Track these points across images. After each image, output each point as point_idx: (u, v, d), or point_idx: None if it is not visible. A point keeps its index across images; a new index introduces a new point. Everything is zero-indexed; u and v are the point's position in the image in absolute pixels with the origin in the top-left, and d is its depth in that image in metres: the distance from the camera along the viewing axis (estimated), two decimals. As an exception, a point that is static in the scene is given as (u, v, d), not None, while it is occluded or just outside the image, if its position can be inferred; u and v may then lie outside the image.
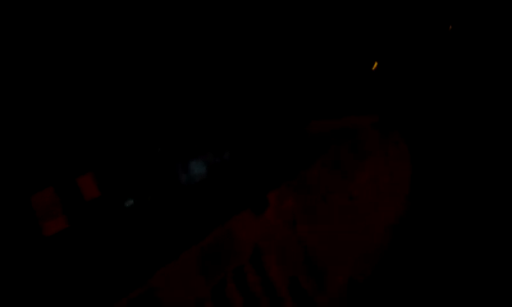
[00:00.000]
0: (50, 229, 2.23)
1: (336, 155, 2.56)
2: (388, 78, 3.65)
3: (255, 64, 2.93)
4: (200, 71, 2.74)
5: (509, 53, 3.68)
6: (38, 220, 2.23)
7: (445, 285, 2.56)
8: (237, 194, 2.14)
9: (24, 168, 2.36)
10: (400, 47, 3.79)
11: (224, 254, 1.88)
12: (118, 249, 2.17)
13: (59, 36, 2.52)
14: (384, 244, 2.74)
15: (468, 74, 3.66)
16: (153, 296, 1.93)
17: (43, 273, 2.05)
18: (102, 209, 2.35)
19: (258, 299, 1.83)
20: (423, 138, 3.31)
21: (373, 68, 3.87)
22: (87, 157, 2.47)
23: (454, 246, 2.78)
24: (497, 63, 3.70)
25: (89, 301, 2.00)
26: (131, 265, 2.12)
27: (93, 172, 2.46)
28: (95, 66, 2.55)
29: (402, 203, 2.82)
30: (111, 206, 2.36)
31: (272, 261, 1.92)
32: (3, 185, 2.29)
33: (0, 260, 2.04)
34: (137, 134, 2.51)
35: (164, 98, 2.60)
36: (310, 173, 2.36)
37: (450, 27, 3.28)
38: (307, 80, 3.12)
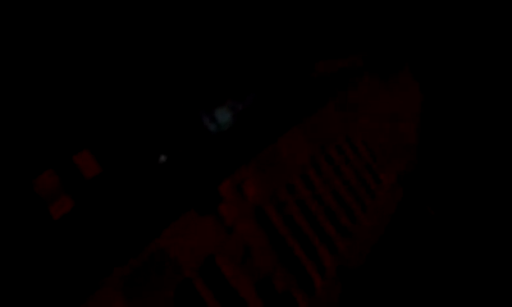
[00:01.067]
0: (57, 211, 2.30)
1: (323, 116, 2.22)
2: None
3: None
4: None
5: None
6: (46, 204, 2.27)
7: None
8: (176, 191, 1.66)
9: (21, 155, 2.37)
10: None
11: (157, 275, 1.52)
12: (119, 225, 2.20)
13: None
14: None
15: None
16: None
17: (54, 256, 2.16)
18: (104, 185, 2.36)
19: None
20: (432, 75, 2.86)
21: None
22: (82, 134, 2.42)
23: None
24: None
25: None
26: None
27: (89, 149, 2.44)
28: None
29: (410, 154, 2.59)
30: (113, 182, 2.34)
31: (231, 267, 1.59)
32: (4, 175, 2.32)
33: (10, 251, 2.13)
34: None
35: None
36: (281, 145, 1.87)
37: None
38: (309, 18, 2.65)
